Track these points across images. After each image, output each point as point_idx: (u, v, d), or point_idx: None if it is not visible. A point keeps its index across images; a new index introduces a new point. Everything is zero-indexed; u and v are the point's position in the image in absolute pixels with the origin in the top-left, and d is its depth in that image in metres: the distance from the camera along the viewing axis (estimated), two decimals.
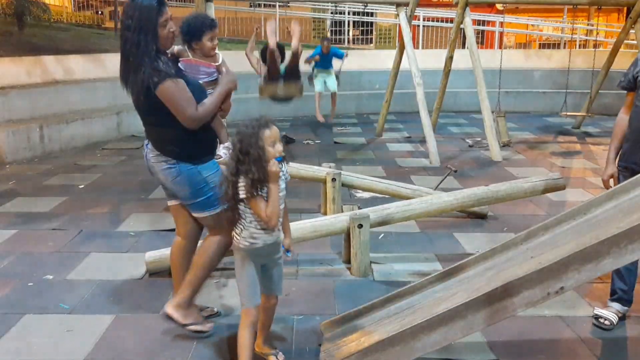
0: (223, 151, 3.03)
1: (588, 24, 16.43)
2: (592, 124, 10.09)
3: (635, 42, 9.03)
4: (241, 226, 2.59)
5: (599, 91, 9.53)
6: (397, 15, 8.61)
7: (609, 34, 16.40)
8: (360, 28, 17.79)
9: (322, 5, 15.54)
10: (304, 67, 7.95)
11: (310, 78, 8.91)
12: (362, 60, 12.15)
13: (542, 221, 2.89)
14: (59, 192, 5.91)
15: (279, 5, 9.47)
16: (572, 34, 12.41)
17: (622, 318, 3.25)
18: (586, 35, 15.70)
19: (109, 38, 13.34)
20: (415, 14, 9.08)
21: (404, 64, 8.41)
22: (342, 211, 4.45)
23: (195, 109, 2.79)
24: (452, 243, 4.54)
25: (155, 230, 4.79)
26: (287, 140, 8.29)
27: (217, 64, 3.88)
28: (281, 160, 2.53)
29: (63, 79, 9.27)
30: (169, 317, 3.03)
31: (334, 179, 4.91)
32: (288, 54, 6.78)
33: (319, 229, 3.96)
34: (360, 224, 3.80)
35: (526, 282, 2.32)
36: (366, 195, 5.54)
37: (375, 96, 10.82)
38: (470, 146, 8.38)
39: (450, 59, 8.69)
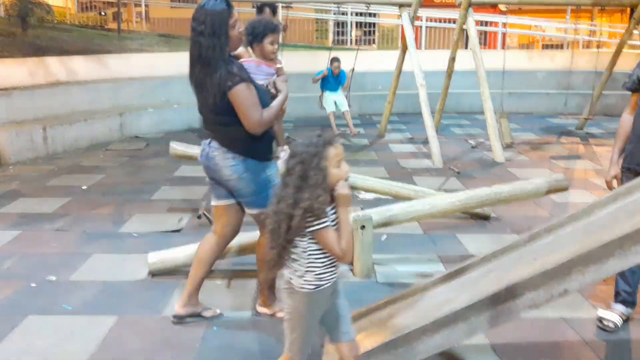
0: (282, 153, 3.22)
1: (591, 25, 16.40)
2: (595, 125, 10.07)
3: (638, 42, 9.01)
4: (300, 267, 2.18)
5: (603, 92, 9.51)
6: (400, 16, 8.60)
7: (612, 35, 16.37)
8: (363, 29, 17.79)
9: (325, 6, 15.55)
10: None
11: (319, 97, 8.91)
12: (365, 61, 12.14)
13: (545, 222, 2.88)
14: (62, 193, 5.91)
15: (282, 7, 9.45)
16: (575, 35, 12.37)
17: (626, 320, 3.24)
18: (589, 36, 15.67)
19: (112, 39, 13.37)
20: (417, 14, 9.07)
21: (407, 65, 8.40)
22: None
23: (261, 114, 2.93)
24: (455, 244, 4.53)
25: (158, 231, 4.79)
26: (290, 142, 8.29)
27: (278, 66, 3.99)
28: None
29: (66, 79, 9.29)
30: (180, 318, 3.23)
31: None
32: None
33: None
34: (363, 225, 3.80)
35: (530, 284, 2.32)
36: (369, 196, 5.54)
37: (378, 97, 10.81)
38: (473, 147, 8.37)
39: (453, 59, 8.67)
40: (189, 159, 5.28)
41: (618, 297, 3.26)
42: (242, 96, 2.87)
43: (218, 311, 3.37)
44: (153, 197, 5.81)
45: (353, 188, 5.28)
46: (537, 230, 2.93)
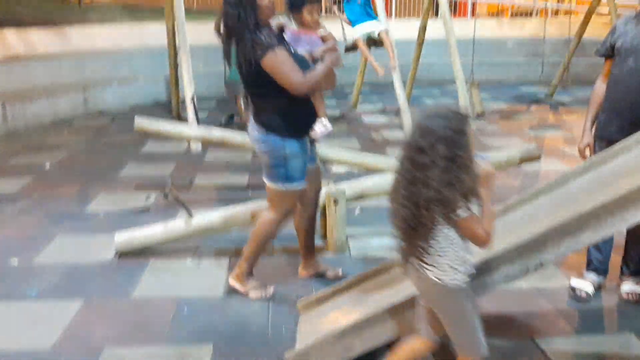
0: (319, 125, 3.17)
1: None
2: (565, 93, 10.13)
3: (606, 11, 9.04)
4: (443, 261, 2.01)
5: (572, 60, 9.54)
6: None
7: (580, 1, 16.42)
8: None
9: None
10: None
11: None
12: (336, 30, 11.96)
13: (517, 192, 2.86)
14: (24, 172, 5.70)
15: None
16: (545, 2, 12.36)
17: (598, 288, 3.26)
18: (557, 3, 15.68)
19: (73, 10, 12.88)
20: None
21: None
22: None
23: (302, 75, 2.88)
24: None
25: (125, 209, 4.65)
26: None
27: (322, 33, 3.81)
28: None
29: (25, 54, 8.91)
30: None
31: None
32: None
33: None
34: (335, 200, 3.73)
35: (505, 258, 2.29)
36: (342, 169, 5.47)
37: (350, 68, 10.68)
38: None
39: (423, 28, 8.56)
40: (156, 135, 5.12)
41: (590, 266, 3.27)
42: (273, 62, 2.84)
43: (340, 272, 3.48)
44: (119, 175, 5.64)
45: (324, 161, 5.21)
46: (511, 202, 2.90)
